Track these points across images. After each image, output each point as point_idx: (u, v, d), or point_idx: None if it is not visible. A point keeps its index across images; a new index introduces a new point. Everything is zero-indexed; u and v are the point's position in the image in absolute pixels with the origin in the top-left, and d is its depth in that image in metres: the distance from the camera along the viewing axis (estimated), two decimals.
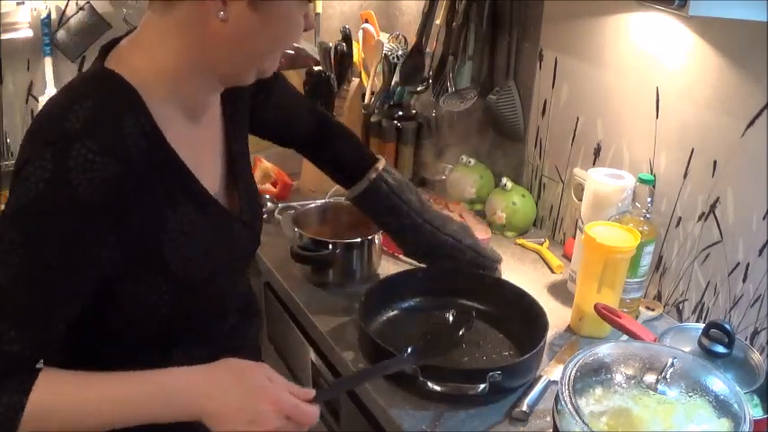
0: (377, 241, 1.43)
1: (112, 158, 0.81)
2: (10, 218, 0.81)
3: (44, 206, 0.80)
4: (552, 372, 1.17)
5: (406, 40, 1.88)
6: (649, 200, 1.29)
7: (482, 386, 1.06)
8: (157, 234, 0.89)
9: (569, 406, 0.88)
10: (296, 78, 1.92)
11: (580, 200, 1.45)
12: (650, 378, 0.92)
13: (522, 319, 1.25)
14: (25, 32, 1.88)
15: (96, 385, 0.86)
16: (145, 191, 0.86)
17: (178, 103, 0.91)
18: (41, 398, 0.81)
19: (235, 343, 1.09)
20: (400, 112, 1.85)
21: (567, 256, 1.54)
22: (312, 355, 1.38)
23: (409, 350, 1.07)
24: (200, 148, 0.97)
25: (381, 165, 1.27)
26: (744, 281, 1.23)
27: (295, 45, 2.01)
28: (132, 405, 0.86)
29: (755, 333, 1.23)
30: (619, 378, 0.93)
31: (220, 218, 1.00)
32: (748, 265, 1.22)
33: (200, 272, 0.95)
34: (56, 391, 0.83)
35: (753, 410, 0.92)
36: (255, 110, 1.14)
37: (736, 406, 0.88)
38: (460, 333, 1.14)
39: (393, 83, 1.88)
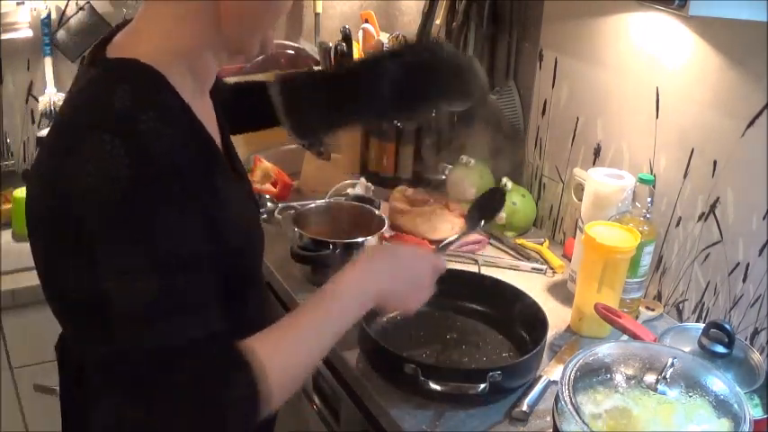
0: (377, 241, 1.43)
1: (174, 124, 0.81)
2: (113, 224, 0.75)
3: (138, 189, 0.75)
4: (552, 372, 1.17)
5: (406, 40, 1.87)
6: (649, 200, 1.29)
7: (482, 386, 1.06)
8: (214, 201, 0.88)
9: (569, 406, 0.88)
10: None
11: (580, 200, 1.45)
12: (650, 378, 0.92)
13: (522, 320, 1.26)
14: (25, 32, 1.88)
15: (297, 326, 0.88)
16: (198, 158, 0.85)
17: (190, 82, 0.91)
18: (268, 358, 0.81)
19: (257, 322, 1.09)
20: None
21: (567, 256, 1.54)
22: None
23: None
24: (210, 127, 0.97)
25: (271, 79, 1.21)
26: (744, 281, 1.23)
27: (295, 45, 2.02)
28: (332, 322, 0.91)
29: (755, 333, 1.23)
30: (619, 378, 0.93)
31: (249, 188, 1.04)
32: (748, 265, 1.22)
33: (241, 240, 0.95)
34: (271, 348, 0.84)
35: (753, 410, 0.92)
36: None
37: (736, 406, 0.88)
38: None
39: None
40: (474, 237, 1.61)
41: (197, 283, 0.79)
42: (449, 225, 1.60)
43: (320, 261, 1.39)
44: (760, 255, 1.20)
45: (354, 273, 0.96)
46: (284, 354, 0.85)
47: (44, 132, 1.61)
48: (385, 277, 0.98)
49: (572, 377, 0.92)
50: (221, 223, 0.88)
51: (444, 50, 1.17)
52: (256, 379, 0.79)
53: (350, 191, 1.73)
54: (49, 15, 1.88)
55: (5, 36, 1.85)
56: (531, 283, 1.44)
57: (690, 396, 0.90)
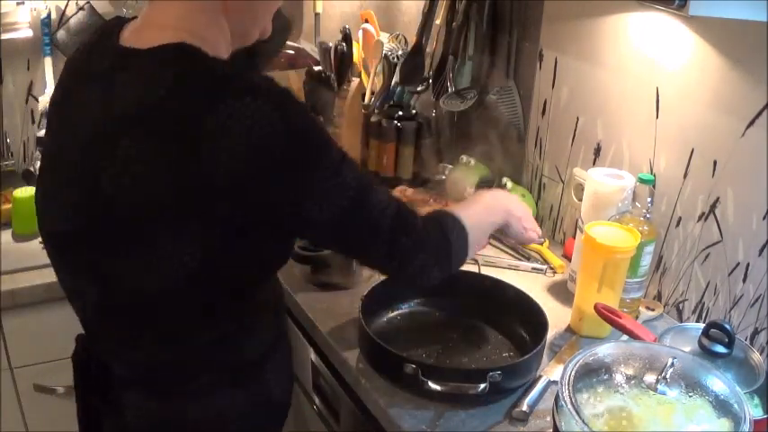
0: None
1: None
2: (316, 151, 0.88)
3: (304, 122, 0.87)
4: (552, 372, 1.17)
5: (406, 40, 1.88)
6: (649, 200, 1.29)
7: (482, 386, 1.06)
8: None
9: (569, 406, 0.88)
10: (296, 78, 1.92)
11: (580, 200, 1.45)
12: (650, 378, 0.92)
13: (522, 320, 1.26)
14: (25, 32, 1.88)
15: (481, 223, 1.15)
16: None
17: None
18: (471, 223, 1.08)
19: (279, 304, 1.18)
20: (400, 112, 1.85)
21: (567, 256, 1.54)
22: (312, 356, 1.38)
23: None
24: None
25: None
26: (744, 281, 1.23)
27: (295, 45, 2.02)
28: (488, 213, 1.18)
29: (755, 333, 1.23)
30: (619, 378, 0.93)
31: None
32: (748, 265, 1.22)
33: None
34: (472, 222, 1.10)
35: (753, 410, 0.92)
36: None
37: (736, 406, 0.88)
38: None
39: (393, 83, 1.88)
40: None
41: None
42: None
43: (320, 261, 1.39)
44: (760, 255, 1.20)
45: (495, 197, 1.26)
46: (473, 222, 1.10)
47: (43, 132, 1.60)
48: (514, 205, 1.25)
49: (572, 377, 0.92)
50: None
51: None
52: (465, 226, 1.07)
53: None
54: (49, 15, 1.88)
55: (5, 36, 1.85)
56: (531, 283, 1.44)
57: (690, 396, 0.90)
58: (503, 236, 1.44)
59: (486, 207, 1.20)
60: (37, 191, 1.01)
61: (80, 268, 0.95)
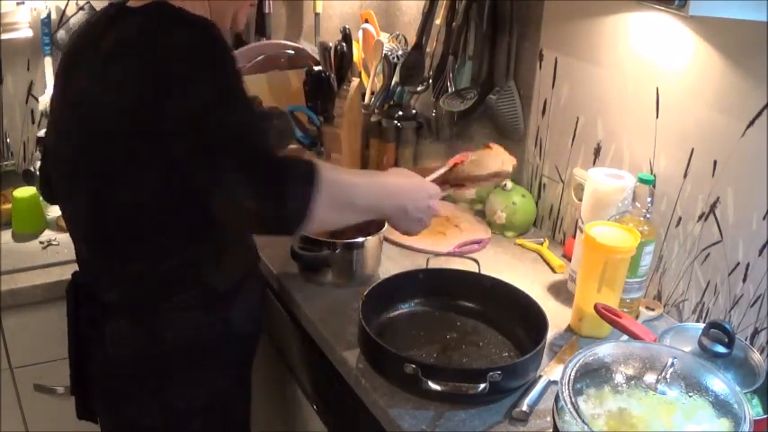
0: (378, 241, 1.43)
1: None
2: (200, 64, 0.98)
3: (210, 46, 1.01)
4: (552, 372, 1.17)
5: (406, 40, 1.88)
6: (649, 200, 1.29)
7: (482, 386, 1.06)
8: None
9: (569, 406, 0.88)
10: (296, 78, 1.92)
11: (580, 200, 1.45)
12: (650, 378, 0.92)
13: (522, 320, 1.26)
14: (25, 32, 1.88)
15: (359, 175, 1.16)
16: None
17: None
18: (326, 170, 1.03)
19: (250, 245, 1.32)
20: (400, 112, 1.85)
21: (567, 256, 1.54)
22: (312, 355, 1.38)
23: None
24: None
25: None
26: (744, 281, 1.23)
27: (295, 45, 2.02)
28: (378, 193, 1.14)
29: (755, 333, 1.23)
30: (619, 378, 0.93)
31: None
32: (748, 265, 1.22)
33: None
34: (330, 169, 1.05)
35: (753, 410, 0.92)
36: None
37: (736, 406, 0.88)
38: None
39: (393, 83, 1.88)
40: (474, 236, 1.61)
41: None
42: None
43: (320, 261, 1.39)
44: (760, 255, 1.20)
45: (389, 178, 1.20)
46: (339, 178, 1.06)
47: (43, 132, 1.61)
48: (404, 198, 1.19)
49: (572, 377, 0.92)
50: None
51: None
52: (315, 167, 1.00)
53: None
54: (48, 15, 1.88)
55: (5, 36, 1.85)
56: (531, 283, 1.44)
57: (690, 396, 0.90)
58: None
59: (382, 187, 1.17)
60: (46, 138, 1.22)
61: (76, 189, 1.12)
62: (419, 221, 1.22)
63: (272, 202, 0.98)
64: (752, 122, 1.18)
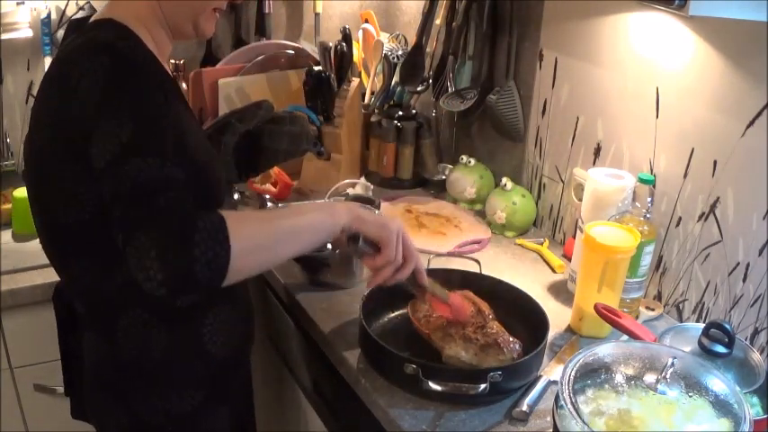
0: None
1: (145, 52, 1.05)
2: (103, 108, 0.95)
3: (119, 80, 0.96)
4: (552, 372, 1.17)
5: (406, 40, 1.88)
6: (649, 200, 1.29)
7: (482, 386, 1.06)
8: (179, 116, 1.06)
9: (569, 406, 0.88)
10: (296, 78, 1.92)
11: (580, 200, 1.45)
12: (650, 378, 0.92)
13: (522, 320, 1.25)
14: (25, 32, 1.88)
15: (279, 218, 1.01)
16: (167, 79, 1.07)
17: (151, 44, 1.09)
18: (238, 221, 0.93)
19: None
20: (400, 112, 1.85)
21: (567, 256, 1.54)
22: (312, 355, 1.38)
23: None
24: None
25: None
26: (744, 281, 1.23)
27: (295, 45, 2.02)
28: (308, 231, 1.03)
29: (755, 333, 1.23)
30: (619, 378, 0.93)
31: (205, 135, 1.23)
32: (748, 265, 1.22)
33: (205, 157, 1.12)
34: (247, 220, 0.98)
35: (753, 410, 0.92)
36: None
37: (736, 406, 0.88)
38: None
39: (393, 83, 1.88)
40: (474, 236, 1.61)
41: (179, 165, 0.94)
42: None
43: (320, 261, 1.39)
44: (760, 255, 1.20)
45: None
46: (251, 222, 0.97)
47: None
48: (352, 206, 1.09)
49: (572, 377, 0.92)
50: (188, 135, 1.05)
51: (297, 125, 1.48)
52: (224, 222, 0.90)
53: (350, 191, 1.73)
54: (48, 15, 1.88)
55: (5, 36, 1.84)
56: (531, 283, 1.44)
57: (690, 396, 0.90)
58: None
59: (299, 206, 1.18)
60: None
61: (30, 201, 1.13)
62: (377, 218, 1.09)
63: (180, 265, 0.88)
64: (752, 122, 1.18)
